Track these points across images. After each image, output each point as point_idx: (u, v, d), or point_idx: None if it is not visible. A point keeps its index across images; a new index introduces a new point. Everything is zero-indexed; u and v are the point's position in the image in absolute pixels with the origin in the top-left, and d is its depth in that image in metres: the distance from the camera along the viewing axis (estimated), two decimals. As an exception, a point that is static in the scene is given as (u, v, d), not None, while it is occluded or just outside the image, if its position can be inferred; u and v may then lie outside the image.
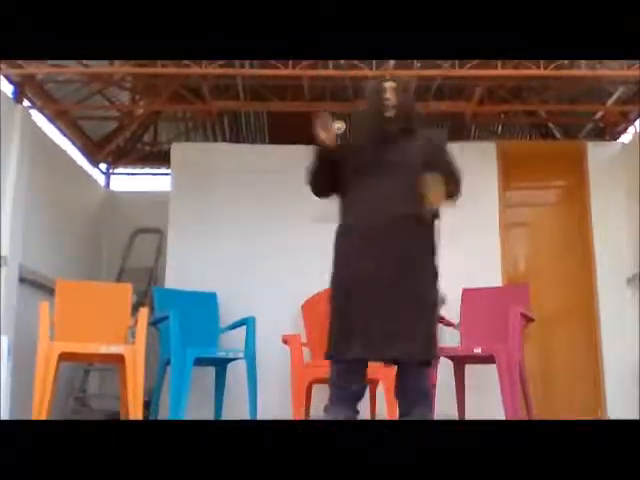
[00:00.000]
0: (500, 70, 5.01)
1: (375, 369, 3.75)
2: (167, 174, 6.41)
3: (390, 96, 3.72)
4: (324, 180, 3.68)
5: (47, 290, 5.26)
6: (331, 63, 5.18)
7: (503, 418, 4.55)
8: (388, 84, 3.73)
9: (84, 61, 5.35)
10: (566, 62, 5.22)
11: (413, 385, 3.51)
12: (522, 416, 4.68)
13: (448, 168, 3.66)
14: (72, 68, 5.34)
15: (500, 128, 7.18)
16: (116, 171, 7.65)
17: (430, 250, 3.61)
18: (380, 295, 3.49)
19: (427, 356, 3.47)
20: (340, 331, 3.51)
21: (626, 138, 6.53)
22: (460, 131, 6.94)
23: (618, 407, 5.45)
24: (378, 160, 3.66)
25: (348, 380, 3.53)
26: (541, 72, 5.01)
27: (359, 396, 3.58)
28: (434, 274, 3.58)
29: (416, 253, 3.53)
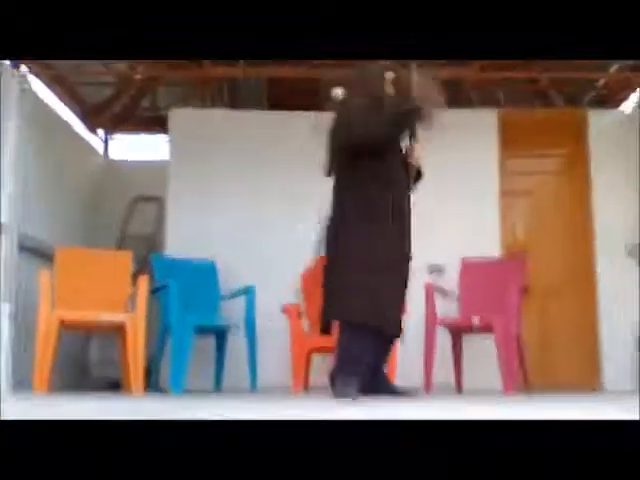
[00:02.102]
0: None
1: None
2: (167, 140, 6.37)
3: (389, 89, 3.89)
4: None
5: (46, 258, 5.25)
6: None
7: (500, 387, 4.60)
8: (388, 75, 3.88)
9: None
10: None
11: None
12: (519, 386, 4.73)
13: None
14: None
15: (501, 96, 7.11)
16: (115, 137, 7.59)
17: None
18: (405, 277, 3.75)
19: None
20: (362, 298, 3.64)
21: (628, 106, 6.48)
22: (460, 98, 6.89)
23: (615, 376, 5.50)
24: (397, 148, 3.85)
25: (366, 351, 3.64)
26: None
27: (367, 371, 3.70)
28: None
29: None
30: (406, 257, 3.81)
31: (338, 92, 4.20)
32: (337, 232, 3.76)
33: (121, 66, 6.57)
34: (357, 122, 3.70)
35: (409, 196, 3.90)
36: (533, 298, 5.19)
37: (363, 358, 3.67)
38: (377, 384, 3.94)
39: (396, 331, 3.82)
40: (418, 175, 4.08)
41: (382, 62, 4.23)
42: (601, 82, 6.52)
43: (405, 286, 3.83)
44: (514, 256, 5.62)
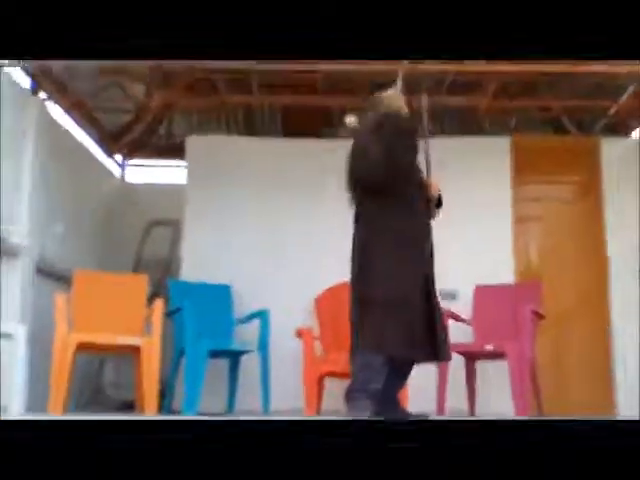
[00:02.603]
0: (514, 65, 5.02)
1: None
2: (183, 166, 6.46)
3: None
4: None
5: (63, 281, 5.31)
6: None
7: (513, 414, 4.59)
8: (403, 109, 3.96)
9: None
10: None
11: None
12: (532, 412, 4.72)
13: None
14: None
15: (514, 123, 7.17)
16: (131, 163, 7.69)
17: None
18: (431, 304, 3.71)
19: None
20: (397, 330, 3.65)
21: (640, 134, 6.52)
22: (473, 126, 6.95)
23: (629, 403, 5.47)
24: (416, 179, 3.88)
25: (380, 375, 3.65)
26: (555, 67, 5.02)
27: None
28: None
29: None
30: (430, 286, 3.85)
31: (352, 119, 4.26)
32: (362, 264, 3.78)
33: (138, 93, 6.68)
34: (371, 159, 3.71)
35: (430, 225, 3.93)
36: (546, 323, 5.19)
37: (377, 382, 3.68)
38: (389, 408, 3.94)
39: (412, 357, 3.83)
40: (438, 203, 4.09)
41: (395, 93, 4.29)
42: (612, 110, 6.57)
43: (432, 314, 3.82)
44: (528, 282, 5.63)
